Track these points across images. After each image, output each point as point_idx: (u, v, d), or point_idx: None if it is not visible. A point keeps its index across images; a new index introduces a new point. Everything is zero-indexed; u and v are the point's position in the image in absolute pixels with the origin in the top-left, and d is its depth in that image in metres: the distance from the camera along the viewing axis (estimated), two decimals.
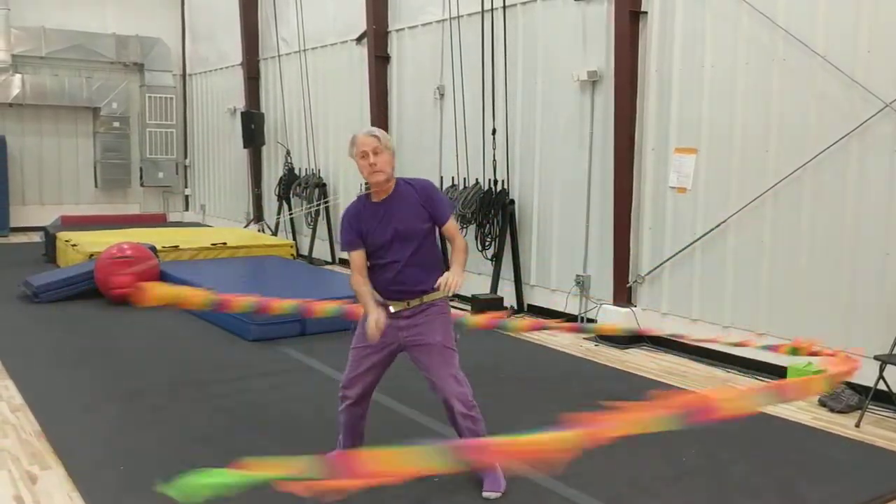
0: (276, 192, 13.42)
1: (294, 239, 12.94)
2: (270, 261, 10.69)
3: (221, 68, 15.77)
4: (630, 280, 7.59)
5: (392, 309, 4.01)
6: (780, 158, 6.35)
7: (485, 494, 4.01)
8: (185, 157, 17.64)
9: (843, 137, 5.89)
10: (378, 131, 4.10)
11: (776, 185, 6.35)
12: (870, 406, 5.43)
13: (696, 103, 6.98)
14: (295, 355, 6.81)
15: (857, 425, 5.31)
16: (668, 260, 7.28)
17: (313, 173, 12.62)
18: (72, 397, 5.62)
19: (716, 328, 6.89)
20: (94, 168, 16.57)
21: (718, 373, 6.59)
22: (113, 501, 3.96)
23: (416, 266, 3.99)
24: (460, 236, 4.13)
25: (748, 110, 6.58)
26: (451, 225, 4.11)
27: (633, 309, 7.52)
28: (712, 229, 6.85)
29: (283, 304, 5.12)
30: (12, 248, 13.59)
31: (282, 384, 6.03)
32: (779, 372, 6.29)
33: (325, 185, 12.39)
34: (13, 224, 15.24)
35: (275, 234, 13.45)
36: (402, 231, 3.99)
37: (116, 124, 16.45)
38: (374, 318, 3.82)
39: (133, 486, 4.13)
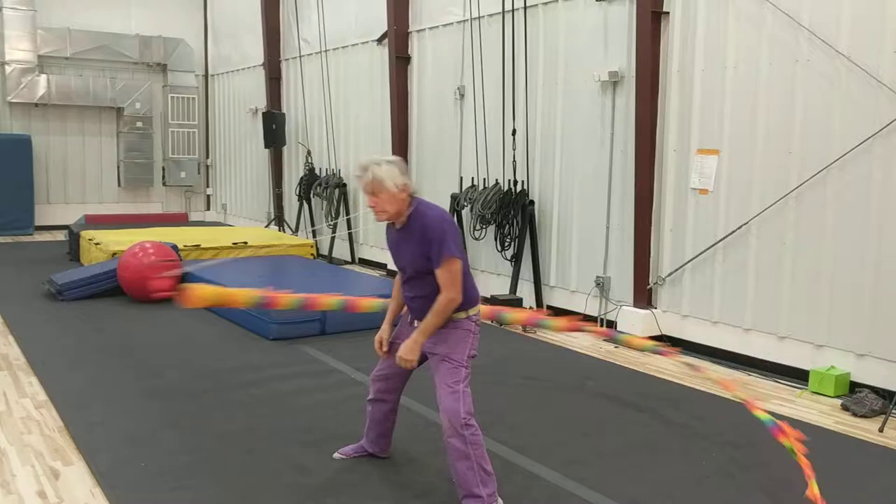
0: (297, 192, 13.49)
1: (314, 238, 13.00)
2: (291, 260, 10.74)
3: (243, 69, 15.88)
4: (650, 282, 7.55)
5: (415, 323, 4.01)
6: (803, 160, 6.29)
7: None
8: (207, 156, 17.78)
9: (867, 139, 5.83)
10: (371, 169, 3.82)
11: (799, 186, 6.29)
12: (894, 411, 5.36)
13: (719, 104, 6.93)
14: (314, 354, 6.84)
15: (881, 430, 5.24)
16: (689, 262, 7.24)
17: (333, 174, 12.67)
18: (94, 394, 5.68)
19: (737, 331, 6.84)
20: (118, 167, 16.75)
21: (739, 375, 6.54)
22: (134, 498, 4.00)
23: (425, 298, 3.86)
24: (449, 289, 3.75)
25: (771, 111, 6.53)
26: (443, 272, 3.74)
27: (654, 311, 7.48)
28: (734, 231, 6.80)
29: (329, 301, 5.17)
30: (37, 246, 13.76)
31: (301, 383, 6.05)
32: (801, 375, 6.23)
33: (345, 185, 12.44)
34: (38, 223, 15.43)
35: (295, 233, 13.53)
36: (407, 266, 3.94)
37: (140, 124, 16.61)
38: (377, 336, 4.08)
39: (154, 482, 4.17)
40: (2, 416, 5.20)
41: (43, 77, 15.56)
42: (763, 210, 6.56)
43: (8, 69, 15.29)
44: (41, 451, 4.61)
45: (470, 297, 3.92)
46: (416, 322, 3.99)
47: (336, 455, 4.46)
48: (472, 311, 3.94)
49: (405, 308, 4.15)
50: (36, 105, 15.70)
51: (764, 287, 6.64)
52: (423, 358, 4.03)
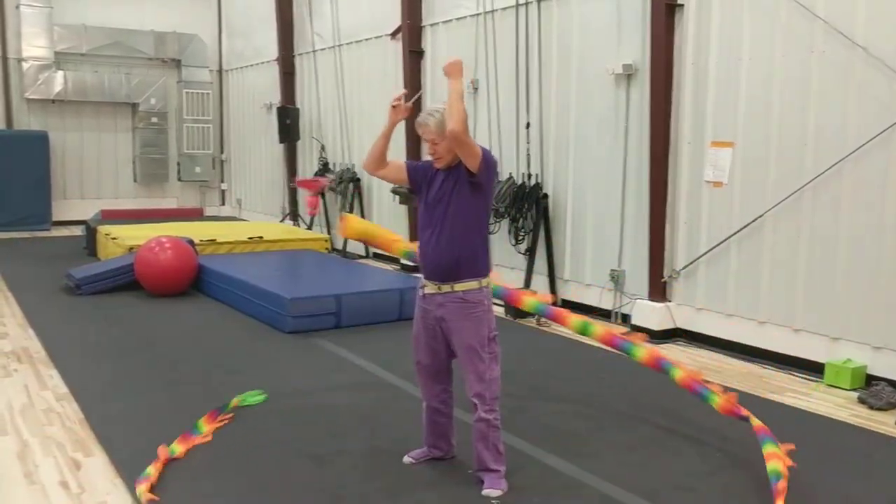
0: None
1: (329, 233, 13.05)
2: (306, 254, 10.80)
3: (257, 64, 15.94)
4: (665, 275, 7.54)
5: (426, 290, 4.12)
6: (818, 152, 6.26)
7: (484, 492, 3.99)
8: (222, 152, 17.86)
9: (884, 131, 5.79)
10: (435, 117, 3.97)
11: (815, 179, 6.27)
12: None
13: (733, 96, 6.91)
14: (330, 347, 6.89)
15: None
16: (703, 255, 7.23)
17: (347, 168, 12.71)
18: (113, 387, 5.75)
19: (751, 324, 6.83)
20: (133, 163, 16.86)
21: (754, 368, 6.53)
22: (156, 488, 4.05)
23: (441, 245, 4.02)
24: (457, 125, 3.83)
25: (786, 103, 6.50)
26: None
27: (668, 304, 7.47)
28: (749, 224, 6.79)
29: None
30: (54, 241, 13.89)
31: (317, 375, 6.10)
32: (817, 368, 6.22)
33: (358, 179, 12.47)
34: (55, 218, 15.57)
35: (309, 227, 13.58)
36: (437, 201, 4.08)
37: (154, 120, 16.71)
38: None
39: (173, 472, 4.22)
40: (24, 408, 5.28)
41: (59, 73, 15.68)
42: (778, 203, 6.54)
43: (25, 66, 15.42)
44: (63, 443, 4.68)
45: (486, 266, 4.09)
46: (427, 289, 4.06)
47: (406, 459, 4.38)
48: (484, 282, 4.05)
49: (422, 284, 4.16)
50: (53, 101, 15.83)
51: (779, 280, 6.63)
52: (453, 353, 4.11)
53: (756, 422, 4.45)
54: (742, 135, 6.87)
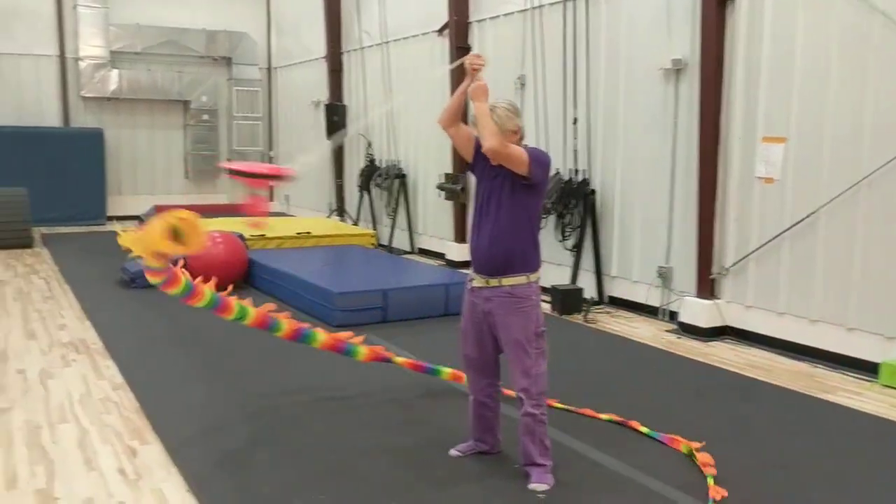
0: (358, 184, 13.66)
1: (375, 229, 13.16)
2: (353, 249, 10.91)
3: (305, 61, 16.12)
4: (714, 272, 7.45)
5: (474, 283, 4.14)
6: (874, 147, 6.12)
7: (530, 487, 4.01)
8: (270, 148, 18.11)
9: None
10: (494, 111, 3.97)
11: (871, 174, 6.13)
12: None
13: (786, 91, 6.79)
14: (377, 341, 6.94)
15: None
16: (754, 252, 7.12)
17: (393, 164, 12.79)
18: (166, 377, 5.90)
19: (803, 322, 6.72)
20: (185, 159, 17.20)
21: (805, 367, 6.42)
22: (208, 476, 4.16)
23: (493, 235, 4.05)
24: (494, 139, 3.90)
25: (841, 97, 6.37)
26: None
27: (717, 301, 7.38)
28: (801, 220, 6.67)
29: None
30: (109, 235, 14.18)
31: (363, 368, 6.15)
32: (871, 368, 6.10)
33: (404, 176, 12.55)
34: (110, 213, 15.97)
35: (356, 223, 13.71)
36: (490, 192, 4.11)
37: (205, 117, 17.02)
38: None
39: (226, 461, 4.33)
40: (82, 397, 5.44)
41: (115, 72, 16.06)
42: (832, 198, 6.41)
43: (82, 65, 15.83)
44: (120, 431, 4.82)
45: (536, 261, 4.09)
46: (475, 282, 4.10)
47: (452, 452, 4.42)
48: (532, 277, 4.06)
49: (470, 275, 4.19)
50: (108, 99, 16.22)
51: (832, 277, 6.50)
52: (500, 348, 4.15)
53: (400, 360, 5.24)
54: (795, 130, 6.74)
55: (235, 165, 3.93)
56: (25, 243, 12.46)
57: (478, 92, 3.99)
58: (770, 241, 6.95)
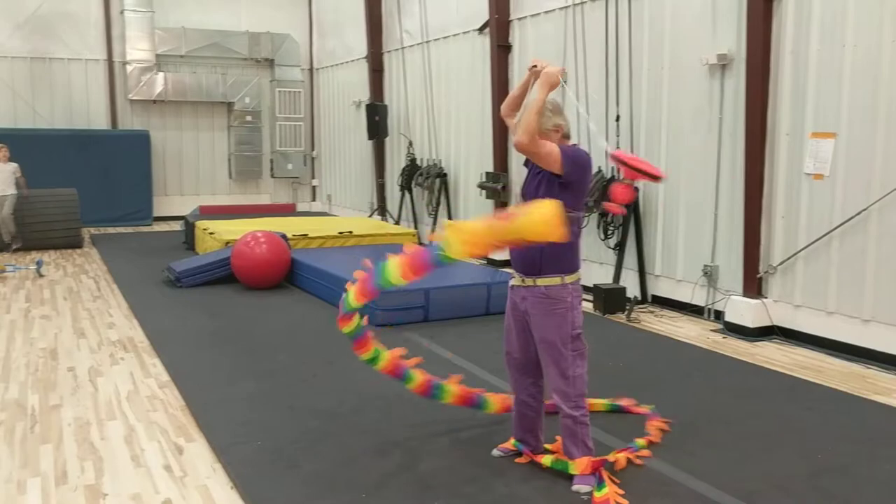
0: (399, 183, 13.70)
1: (416, 228, 13.18)
2: (394, 249, 10.92)
3: (347, 62, 16.22)
4: (761, 270, 7.30)
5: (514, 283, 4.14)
6: None
7: (574, 488, 3.97)
8: (313, 149, 18.27)
9: None
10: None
11: None
12: None
13: (836, 85, 6.63)
14: (418, 340, 6.96)
15: None
16: (802, 250, 6.97)
17: (434, 164, 12.80)
18: (212, 374, 5.97)
19: (854, 322, 6.55)
20: (229, 160, 17.44)
21: (857, 368, 6.26)
22: (252, 473, 4.19)
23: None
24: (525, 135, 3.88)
25: (894, 91, 6.19)
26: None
27: (764, 300, 7.24)
28: (852, 217, 6.50)
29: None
30: (155, 235, 14.49)
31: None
32: None
33: (445, 175, 12.55)
34: (156, 214, 16.28)
35: (397, 222, 13.75)
36: (530, 192, 4.15)
37: (249, 118, 17.23)
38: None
39: (270, 459, 4.35)
40: (130, 394, 5.54)
41: (160, 75, 16.35)
42: (885, 195, 6.24)
43: (129, 68, 16.14)
44: (166, 428, 4.89)
45: (571, 263, 4.02)
46: (514, 280, 4.11)
47: (495, 452, 4.40)
48: (568, 279, 3.99)
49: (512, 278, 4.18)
50: (154, 102, 16.52)
51: (885, 276, 6.32)
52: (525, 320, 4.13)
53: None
54: (845, 125, 6.58)
55: (620, 154, 4.12)
56: (75, 243, 12.75)
57: (546, 79, 3.99)
58: (819, 238, 6.79)
